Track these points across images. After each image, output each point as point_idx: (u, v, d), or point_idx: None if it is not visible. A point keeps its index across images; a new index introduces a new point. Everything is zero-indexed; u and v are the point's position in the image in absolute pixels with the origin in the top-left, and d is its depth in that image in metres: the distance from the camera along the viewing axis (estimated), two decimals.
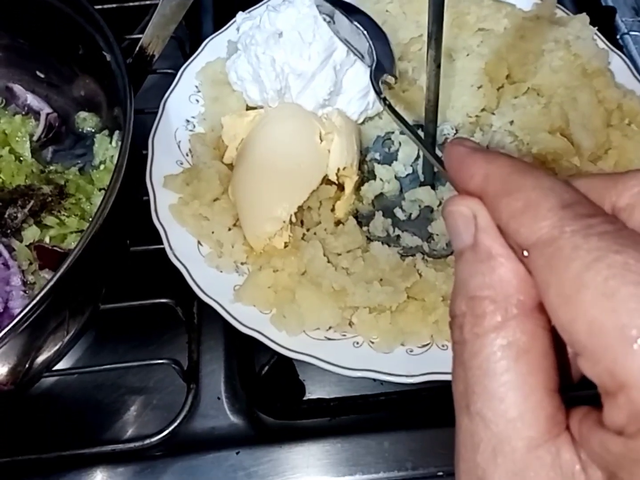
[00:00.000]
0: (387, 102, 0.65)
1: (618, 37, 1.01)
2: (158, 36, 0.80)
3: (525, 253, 0.29)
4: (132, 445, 0.71)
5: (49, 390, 0.78)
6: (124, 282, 0.78)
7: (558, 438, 0.28)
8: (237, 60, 0.78)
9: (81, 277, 0.66)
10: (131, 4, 1.03)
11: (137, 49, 0.80)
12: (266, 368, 0.75)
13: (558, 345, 0.29)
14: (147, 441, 0.71)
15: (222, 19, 0.98)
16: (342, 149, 0.71)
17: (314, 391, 0.77)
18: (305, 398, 0.77)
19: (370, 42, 0.74)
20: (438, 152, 0.70)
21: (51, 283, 0.60)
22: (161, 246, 0.74)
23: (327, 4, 0.75)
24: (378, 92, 0.69)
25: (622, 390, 0.25)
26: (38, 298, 0.58)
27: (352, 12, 0.75)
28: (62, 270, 0.60)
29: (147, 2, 1.03)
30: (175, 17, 0.81)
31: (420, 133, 0.77)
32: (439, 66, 0.57)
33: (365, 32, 0.74)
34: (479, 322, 0.30)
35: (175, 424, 0.72)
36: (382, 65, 0.73)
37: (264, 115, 0.75)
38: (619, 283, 0.25)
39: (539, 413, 0.28)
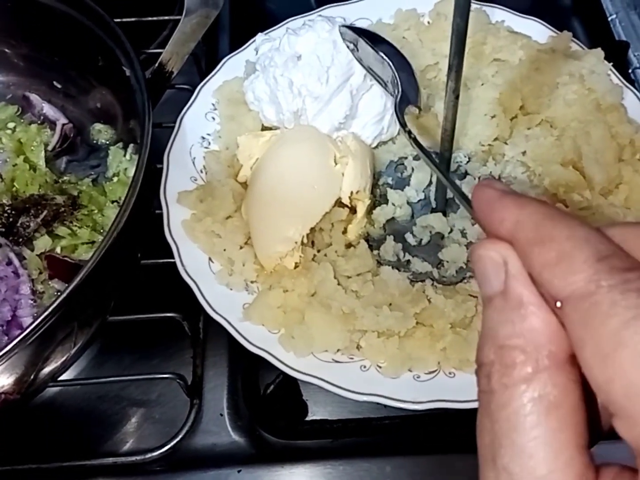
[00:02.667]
0: (412, 136, 0.65)
1: (630, 71, 1.02)
2: (177, 53, 0.81)
3: (559, 304, 0.28)
4: (133, 458, 0.71)
5: (52, 400, 0.78)
6: (132, 294, 0.78)
7: None
8: (255, 80, 0.79)
9: (93, 290, 0.66)
10: (149, 18, 1.04)
11: (157, 64, 0.81)
12: (271, 387, 0.75)
13: (587, 397, 0.28)
14: (149, 455, 0.71)
15: (238, 38, 0.99)
16: (356, 173, 0.72)
17: (317, 412, 0.77)
18: (308, 418, 0.76)
19: (395, 73, 0.73)
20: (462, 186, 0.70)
21: (64, 295, 0.60)
22: (170, 260, 0.74)
23: (351, 32, 0.75)
24: (403, 124, 0.69)
25: None
26: (50, 310, 0.59)
27: (377, 42, 0.75)
28: (75, 282, 0.60)
29: (165, 18, 1.05)
30: (195, 35, 0.83)
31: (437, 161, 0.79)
32: (457, 97, 0.58)
33: (390, 62, 0.73)
34: (508, 373, 0.28)
35: (177, 439, 0.72)
36: (407, 96, 0.73)
37: (279, 136, 0.75)
38: None
39: (568, 471, 0.27)
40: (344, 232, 0.74)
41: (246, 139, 0.76)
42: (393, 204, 0.76)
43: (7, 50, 0.93)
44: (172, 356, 0.81)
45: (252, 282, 0.72)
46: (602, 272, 0.26)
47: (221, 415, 0.75)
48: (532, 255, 0.29)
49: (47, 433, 0.76)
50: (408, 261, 0.74)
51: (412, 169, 0.79)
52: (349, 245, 0.74)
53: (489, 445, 0.29)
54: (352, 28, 0.76)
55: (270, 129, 0.81)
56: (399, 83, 0.73)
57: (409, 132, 0.66)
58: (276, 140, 0.75)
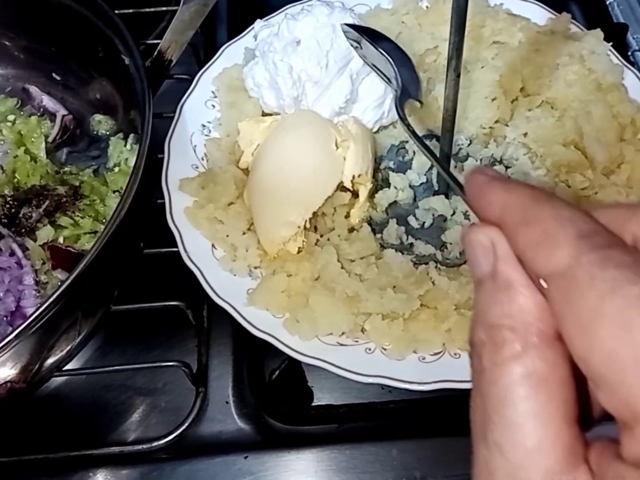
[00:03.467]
0: (411, 129, 0.65)
1: (629, 53, 1.02)
2: (176, 41, 0.81)
3: (543, 282, 0.29)
4: (139, 447, 0.71)
5: (58, 390, 0.78)
6: (135, 284, 0.78)
7: (576, 470, 0.28)
8: (255, 67, 0.78)
9: (95, 279, 0.66)
10: (147, 9, 1.04)
11: (156, 53, 0.81)
12: (276, 373, 0.75)
13: (580, 379, 0.29)
14: (155, 444, 0.71)
15: (236, 27, 0.99)
16: (358, 157, 0.72)
17: (323, 397, 0.77)
18: (313, 404, 0.76)
19: (396, 69, 0.74)
20: (458, 175, 0.70)
21: (66, 284, 0.60)
22: (173, 249, 0.74)
23: (353, 31, 0.75)
24: (402, 118, 0.69)
25: (639, 422, 0.25)
26: (52, 298, 0.59)
27: (378, 39, 0.75)
28: (77, 271, 0.60)
29: (163, 9, 1.04)
30: (193, 23, 0.82)
31: (436, 143, 0.78)
32: (458, 76, 0.58)
33: (390, 58, 0.74)
34: (498, 351, 0.29)
35: (183, 427, 0.72)
36: (408, 90, 0.73)
37: (280, 122, 0.75)
38: (635, 314, 0.25)
39: (557, 443, 0.28)
40: (347, 216, 0.74)
41: (247, 125, 0.76)
42: (395, 188, 0.76)
43: (5, 42, 0.93)
44: (176, 345, 0.81)
45: (255, 267, 0.72)
46: (583, 249, 0.27)
47: (227, 402, 0.75)
48: (517, 236, 0.30)
49: (53, 423, 0.76)
50: (411, 244, 0.74)
51: (414, 153, 0.79)
52: (351, 229, 0.74)
53: (480, 422, 0.30)
54: (353, 26, 0.75)
55: (270, 114, 0.81)
56: (399, 78, 0.73)
57: (408, 125, 0.67)
58: (277, 126, 0.75)
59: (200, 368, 0.76)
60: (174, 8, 0.98)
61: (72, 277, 0.60)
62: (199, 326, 0.79)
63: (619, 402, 0.25)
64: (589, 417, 0.31)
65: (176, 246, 0.74)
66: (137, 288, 0.78)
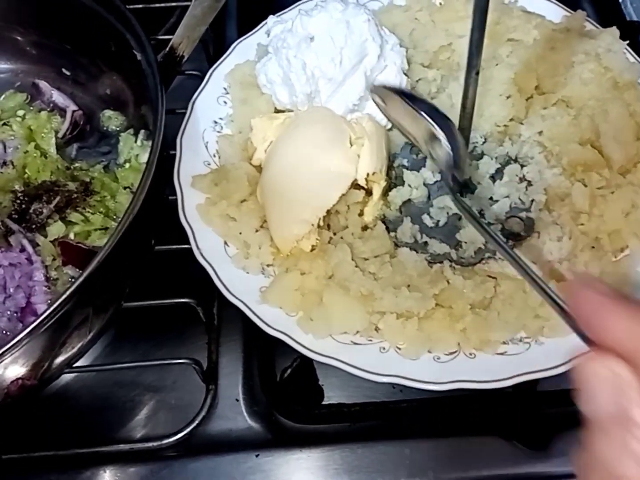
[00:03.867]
0: (465, 205, 0.60)
1: None
2: (188, 37, 0.80)
3: None
4: (149, 444, 0.71)
5: (68, 386, 0.78)
6: (146, 280, 0.78)
7: None
8: (268, 63, 0.78)
9: (107, 276, 0.65)
10: (157, 5, 1.03)
11: (168, 49, 0.80)
12: (288, 371, 0.75)
13: None
14: (164, 441, 0.71)
15: (245, 23, 0.98)
16: (372, 155, 0.71)
17: (334, 396, 0.77)
18: (325, 403, 0.76)
19: (445, 141, 0.61)
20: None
21: (79, 281, 0.59)
22: (184, 246, 0.74)
23: (382, 89, 0.68)
24: (454, 192, 0.62)
25: None
26: (65, 296, 0.58)
27: (415, 101, 0.64)
28: (89, 269, 0.60)
29: (173, 4, 1.04)
30: (205, 18, 0.82)
31: None
32: (477, 73, 0.57)
33: (435, 126, 0.62)
34: None
35: (194, 424, 0.71)
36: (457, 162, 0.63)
37: (293, 119, 0.75)
38: None
39: None
40: (360, 214, 0.73)
41: (260, 121, 0.76)
42: (409, 186, 0.76)
43: (16, 37, 0.92)
44: (186, 342, 0.80)
45: (268, 265, 0.72)
46: None
47: (237, 400, 0.74)
48: None
49: (63, 420, 0.76)
50: (425, 242, 0.73)
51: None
52: (365, 228, 0.73)
53: None
54: (387, 88, 0.68)
55: (283, 111, 0.80)
56: (448, 146, 0.62)
57: (461, 201, 0.60)
58: (290, 123, 0.74)
59: (210, 365, 0.76)
60: (184, 3, 0.98)
61: (84, 275, 0.59)
62: (209, 323, 0.78)
63: None
64: None
65: (187, 243, 0.73)
66: (148, 285, 0.78)
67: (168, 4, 1.03)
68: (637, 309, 0.28)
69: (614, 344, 0.28)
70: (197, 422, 0.72)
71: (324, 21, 0.74)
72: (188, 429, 0.71)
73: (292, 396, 0.77)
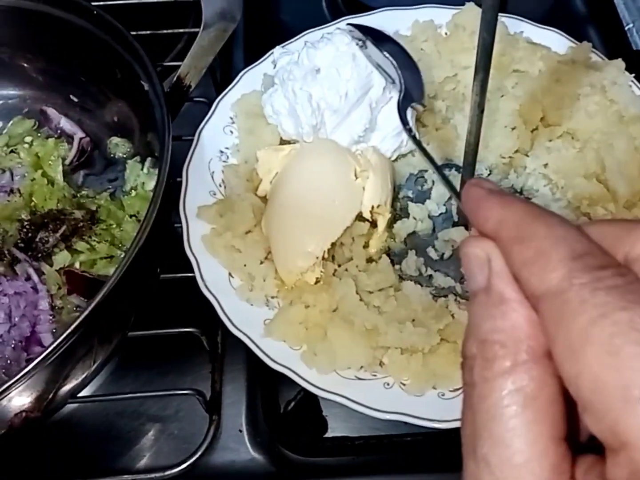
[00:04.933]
0: (412, 133, 0.66)
1: None
2: (195, 66, 0.81)
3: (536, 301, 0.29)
4: (151, 475, 0.70)
5: (70, 416, 0.77)
6: (150, 309, 0.78)
7: None
8: (274, 94, 0.78)
9: (114, 306, 0.66)
10: (164, 31, 1.04)
11: (175, 78, 0.81)
12: (292, 404, 0.74)
13: (569, 397, 0.29)
14: (167, 472, 0.70)
15: (253, 50, 0.99)
16: (377, 187, 0.71)
17: (337, 428, 0.76)
18: (328, 435, 0.76)
19: (399, 72, 0.74)
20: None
21: (85, 313, 0.59)
22: (188, 274, 0.74)
23: (357, 31, 0.76)
24: (404, 122, 0.69)
25: (623, 449, 0.25)
26: (72, 328, 0.58)
27: (383, 40, 0.77)
28: (97, 299, 0.60)
29: (180, 31, 1.04)
30: (213, 48, 0.83)
31: (456, 173, 0.78)
32: (482, 111, 0.58)
33: (393, 62, 0.75)
34: (489, 366, 0.30)
35: (196, 456, 0.71)
36: (411, 94, 0.74)
37: (299, 150, 0.75)
38: (623, 341, 0.25)
39: (543, 461, 0.28)
40: (365, 246, 0.73)
41: (266, 152, 0.76)
42: (414, 218, 0.76)
43: (24, 64, 0.93)
44: (189, 371, 0.80)
45: (272, 297, 0.72)
46: (575, 271, 0.28)
47: (240, 431, 0.74)
48: (512, 253, 0.31)
49: (65, 450, 0.75)
50: (430, 276, 0.73)
51: (433, 182, 0.78)
52: (370, 260, 0.73)
53: (470, 436, 0.30)
54: (358, 26, 0.76)
55: (289, 142, 0.80)
56: (402, 81, 0.74)
57: (409, 130, 0.67)
58: (296, 154, 0.74)
59: (214, 395, 0.75)
60: (191, 30, 0.99)
61: (92, 306, 0.59)
62: (213, 352, 0.78)
63: (605, 428, 0.26)
64: (577, 434, 0.31)
65: (191, 271, 0.73)
66: (152, 313, 0.78)
67: (175, 30, 1.04)
68: (509, 201, 0.32)
69: (489, 230, 0.32)
70: (200, 453, 0.71)
71: (330, 53, 0.75)
72: (191, 460, 0.70)
73: (295, 427, 0.76)
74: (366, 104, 0.75)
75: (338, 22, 0.91)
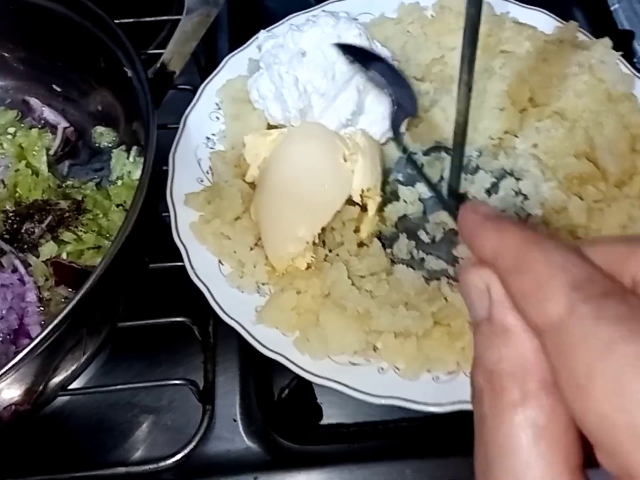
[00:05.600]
0: (408, 152, 0.65)
1: (635, 60, 1.01)
2: (179, 53, 0.80)
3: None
4: (146, 467, 0.70)
5: (61, 409, 0.76)
6: (140, 299, 0.77)
7: None
8: (259, 78, 0.77)
9: (102, 296, 0.65)
10: (147, 19, 1.02)
11: (158, 65, 0.79)
12: (286, 391, 0.74)
13: None
14: (162, 464, 0.70)
15: (237, 36, 0.97)
16: (366, 170, 0.70)
17: (332, 415, 0.76)
18: (324, 422, 0.75)
19: (389, 89, 0.73)
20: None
21: (72, 303, 0.58)
22: (178, 264, 0.73)
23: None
24: (399, 141, 0.69)
25: None
26: (59, 319, 0.57)
27: (370, 60, 0.75)
28: (83, 290, 0.59)
29: (164, 18, 1.03)
30: (196, 34, 0.81)
31: (445, 155, 0.77)
32: (470, 89, 0.56)
33: (382, 79, 0.73)
34: (498, 398, 0.29)
35: (190, 446, 0.70)
36: (404, 109, 0.73)
37: (287, 135, 0.74)
38: (629, 378, 0.24)
39: None
40: (356, 230, 0.72)
41: (253, 138, 0.75)
42: (404, 201, 0.75)
43: (5, 54, 0.91)
44: (181, 361, 0.79)
45: (263, 284, 0.71)
46: (577, 301, 0.27)
47: (234, 420, 0.73)
48: (510, 284, 0.30)
49: (57, 443, 0.75)
50: (422, 259, 0.72)
51: (422, 165, 0.78)
52: (361, 244, 0.72)
53: (484, 471, 0.30)
54: (343, 47, 0.74)
55: (276, 127, 0.79)
56: (394, 98, 0.73)
57: (404, 149, 0.66)
58: (283, 139, 0.73)
59: (206, 385, 0.75)
60: (175, 17, 0.97)
61: (79, 296, 0.58)
62: (204, 342, 0.77)
63: (615, 464, 0.25)
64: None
65: (181, 260, 0.72)
66: (142, 303, 0.77)
67: (158, 18, 1.02)
68: (505, 227, 0.32)
69: (486, 258, 0.32)
70: (194, 443, 0.70)
71: (316, 36, 0.74)
72: (185, 451, 0.70)
73: (290, 415, 0.76)
74: (353, 86, 0.74)
75: (323, 5, 0.90)
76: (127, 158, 0.87)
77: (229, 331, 0.69)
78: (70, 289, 0.77)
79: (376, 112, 0.76)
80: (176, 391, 0.76)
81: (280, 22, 0.88)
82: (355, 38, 0.74)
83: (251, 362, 0.76)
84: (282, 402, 0.76)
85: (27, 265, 0.77)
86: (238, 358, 0.76)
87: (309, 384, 0.75)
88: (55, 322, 0.57)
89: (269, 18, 0.94)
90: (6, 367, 0.56)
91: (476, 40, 0.53)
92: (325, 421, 0.75)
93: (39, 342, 0.57)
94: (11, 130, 0.90)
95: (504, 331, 0.30)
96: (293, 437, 0.73)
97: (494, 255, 0.31)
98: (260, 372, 0.77)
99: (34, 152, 0.86)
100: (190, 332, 0.76)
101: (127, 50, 0.76)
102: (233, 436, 0.72)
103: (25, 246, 0.77)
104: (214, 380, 0.75)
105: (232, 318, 0.67)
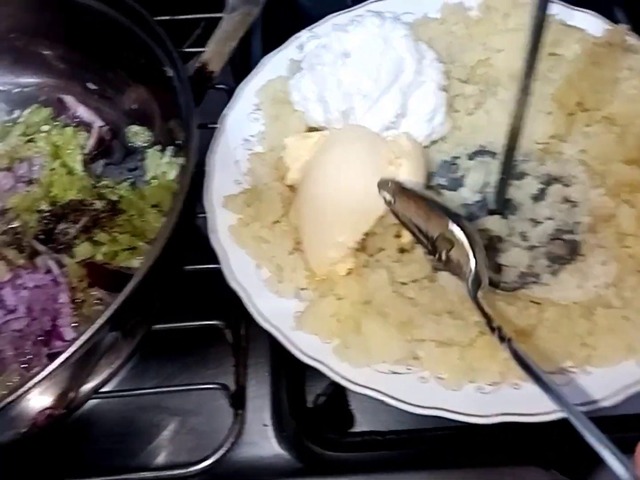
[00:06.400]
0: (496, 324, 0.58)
1: None
2: (219, 52, 0.78)
3: None
4: (175, 472, 0.69)
5: (91, 411, 0.75)
6: (172, 302, 0.76)
7: None
8: (302, 79, 0.76)
9: (140, 301, 0.63)
10: (182, 17, 1.01)
11: (199, 64, 0.78)
12: (322, 398, 0.72)
13: None
14: (191, 469, 0.68)
15: (271, 36, 0.96)
16: (411, 175, 0.69)
17: (366, 422, 0.74)
18: (357, 429, 0.74)
19: (471, 252, 0.62)
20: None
21: (112, 310, 0.57)
22: (210, 266, 0.72)
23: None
24: (480, 308, 0.61)
25: None
26: (98, 325, 0.56)
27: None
28: (123, 296, 0.58)
29: (198, 16, 1.02)
30: (236, 33, 0.80)
31: (490, 160, 0.75)
32: (528, 94, 0.55)
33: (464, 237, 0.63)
34: None
35: (221, 451, 0.69)
36: (479, 276, 0.62)
37: (329, 137, 0.72)
38: None
39: None
40: (397, 235, 0.71)
41: (294, 140, 0.73)
42: None
43: (42, 51, 0.90)
44: (211, 364, 0.78)
45: (302, 289, 0.69)
46: None
47: (265, 425, 0.72)
48: None
49: (86, 446, 0.74)
50: None
51: (466, 170, 0.75)
52: (401, 250, 0.71)
53: None
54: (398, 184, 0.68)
55: (316, 129, 0.78)
56: (474, 261, 0.62)
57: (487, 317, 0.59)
58: (326, 141, 0.72)
59: (238, 389, 0.73)
60: (210, 15, 0.96)
61: (119, 302, 0.57)
62: (236, 345, 0.76)
63: None
64: None
65: (213, 263, 0.72)
66: (174, 306, 0.76)
67: (194, 16, 1.01)
68: None
69: None
70: (224, 448, 0.69)
71: (361, 37, 0.72)
72: (216, 456, 0.69)
73: (322, 421, 0.74)
74: (397, 88, 0.73)
75: (364, 5, 0.88)
76: (162, 158, 0.86)
77: (259, 335, 0.68)
78: (104, 291, 0.75)
79: (419, 114, 0.74)
80: (205, 395, 0.74)
81: (321, 21, 0.86)
82: (401, 39, 0.72)
83: (283, 367, 0.74)
84: (314, 408, 0.74)
85: (61, 265, 0.76)
86: (269, 362, 0.74)
87: (342, 391, 0.74)
88: (95, 327, 0.56)
89: (303, 17, 0.93)
90: (43, 374, 0.55)
91: (539, 46, 0.51)
92: (357, 428, 0.74)
93: (77, 349, 0.56)
94: (45, 128, 0.89)
95: None
96: (325, 444, 0.71)
97: None
98: (293, 377, 0.75)
99: (68, 151, 0.85)
100: (220, 335, 0.75)
101: (167, 49, 0.75)
102: (264, 442, 0.70)
103: (60, 247, 0.77)
104: (245, 384, 0.73)
105: (270, 323, 0.65)
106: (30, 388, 0.54)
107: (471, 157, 0.76)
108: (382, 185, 0.69)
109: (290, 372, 0.75)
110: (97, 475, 0.68)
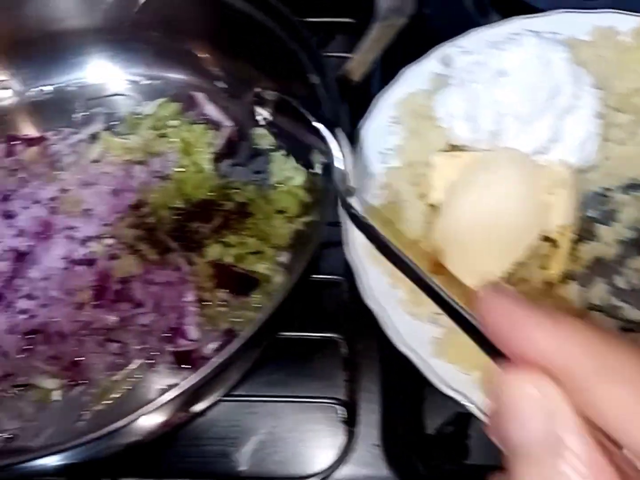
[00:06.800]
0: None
1: None
2: (363, 62, 0.77)
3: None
4: None
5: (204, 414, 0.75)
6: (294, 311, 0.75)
7: None
8: (449, 95, 0.73)
9: (281, 314, 0.62)
10: (311, 19, 0.99)
11: (341, 72, 0.76)
12: (448, 428, 0.70)
13: None
14: None
15: (391, 46, 0.93)
16: (568, 205, 0.65)
17: (483, 455, 0.71)
18: (474, 463, 0.71)
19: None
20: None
21: (258, 324, 0.57)
22: (330, 277, 0.73)
23: None
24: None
25: None
26: (247, 337, 0.56)
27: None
28: (273, 307, 0.57)
29: (336, 20, 0.99)
30: (381, 43, 0.78)
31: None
32: None
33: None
34: None
35: (329, 467, 0.68)
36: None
37: (480, 159, 0.69)
38: None
39: None
40: (543, 267, 0.67)
41: (442, 158, 0.71)
42: (600, 241, 0.69)
43: (181, 47, 0.90)
44: (321, 377, 0.77)
45: (439, 314, 0.67)
46: None
47: (376, 445, 0.70)
48: (592, 394, 0.24)
49: (194, 449, 0.73)
50: (618, 307, 0.67)
51: (620, 204, 0.71)
52: (548, 283, 0.67)
53: None
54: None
55: (457, 147, 0.75)
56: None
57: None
58: (476, 163, 0.69)
59: (351, 405, 0.72)
60: (344, 20, 0.95)
61: (267, 315, 0.56)
62: (350, 360, 0.74)
63: None
64: None
65: (335, 274, 0.73)
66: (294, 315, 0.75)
67: (336, 19, 0.98)
68: (564, 322, 0.25)
69: (538, 359, 0.25)
70: (333, 464, 0.68)
71: (519, 56, 0.69)
72: (324, 472, 0.68)
73: (439, 449, 0.72)
74: (552, 112, 0.69)
75: (508, 21, 0.85)
76: (286, 163, 0.85)
77: (367, 349, 0.69)
78: (229, 293, 0.75)
79: (572, 140, 0.71)
80: (315, 407, 0.73)
81: (464, 34, 0.83)
82: (561, 61, 0.69)
83: (393, 385, 0.73)
84: (434, 436, 0.72)
85: (190, 264, 0.76)
86: (380, 379, 0.73)
87: (465, 421, 0.72)
88: (240, 343, 0.56)
89: (424, 26, 0.90)
90: (181, 388, 0.55)
91: None
92: (472, 461, 0.71)
93: (219, 365, 0.55)
94: (174, 123, 0.89)
95: (582, 467, 0.23)
96: (440, 474, 0.70)
97: (558, 353, 0.25)
98: (405, 394, 0.74)
99: (198, 149, 0.85)
100: (333, 348, 0.74)
101: (313, 55, 0.73)
102: (374, 462, 0.69)
103: (191, 245, 0.76)
104: (357, 400, 0.72)
105: (408, 347, 0.63)
106: (168, 400, 0.54)
107: (625, 190, 0.72)
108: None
109: (404, 393, 0.74)
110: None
